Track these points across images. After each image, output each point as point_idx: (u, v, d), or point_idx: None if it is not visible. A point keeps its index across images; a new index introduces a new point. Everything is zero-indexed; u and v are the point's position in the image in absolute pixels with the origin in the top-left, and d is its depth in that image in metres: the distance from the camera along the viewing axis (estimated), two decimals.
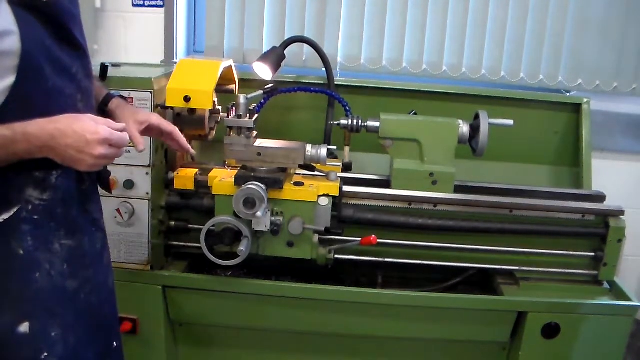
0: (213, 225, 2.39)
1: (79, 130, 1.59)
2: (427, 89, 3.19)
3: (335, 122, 2.66)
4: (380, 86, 3.21)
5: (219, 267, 2.51)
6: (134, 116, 2.07)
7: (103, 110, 2.04)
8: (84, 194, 1.84)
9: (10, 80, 1.54)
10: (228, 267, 2.50)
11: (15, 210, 1.66)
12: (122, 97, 2.15)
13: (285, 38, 3.12)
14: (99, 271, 1.89)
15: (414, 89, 3.19)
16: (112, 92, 2.11)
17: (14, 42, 1.52)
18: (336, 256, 2.54)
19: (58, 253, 1.74)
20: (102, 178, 1.96)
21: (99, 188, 1.98)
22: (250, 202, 2.28)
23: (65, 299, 1.75)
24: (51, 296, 1.72)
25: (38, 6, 1.59)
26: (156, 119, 2.13)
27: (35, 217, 1.69)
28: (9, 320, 1.66)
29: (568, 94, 3.46)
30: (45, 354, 1.69)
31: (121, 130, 1.68)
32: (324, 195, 2.46)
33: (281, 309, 2.57)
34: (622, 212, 2.63)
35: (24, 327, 1.67)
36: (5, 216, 1.65)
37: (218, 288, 2.55)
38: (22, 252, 1.67)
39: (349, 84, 3.19)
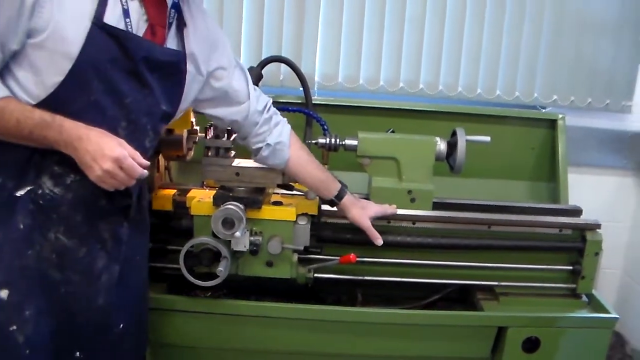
0: (192, 246, 2.38)
1: (101, 143, 1.77)
2: (404, 107, 3.20)
3: (313, 141, 2.66)
4: (358, 105, 3.22)
5: (198, 288, 2.50)
6: (366, 212, 2.46)
7: (335, 202, 2.42)
8: (99, 210, 1.96)
9: (57, 79, 1.75)
10: (208, 288, 2.49)
11: (28, 189, 1.85)
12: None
13: (263, 57, 3.13)
14: (89, 285, 1.97)
15: (392, 107, 3.21)
16: (343, 186, 2.45)
17: (73, 49, 1.74)
18: (316, 275, 2.54)
19: (51, 242, 1.88)
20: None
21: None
22: (228, 222, 2.28)
23: (45, 284, 1.89)
24: (33, 275, 1.86)
25: (114, 33, 1.80)
26: (382, 211, 2.52)
27: (41, 202, 1.86)
28: None
29: (544, 110, 3.49)
30: (14, 327, 1.83)
31: (144, 166, 1.84)
32: (302, 214, 2.47)
33: (262, 329, 2.56)
34: (598, 226, 2.66)
35: (4, 293, 1.83)
36: (21, 192, 1.84)
37: (198, 309, 2.53)
38: (22, 227, 1.84)
39: (327, 102, 3.20)
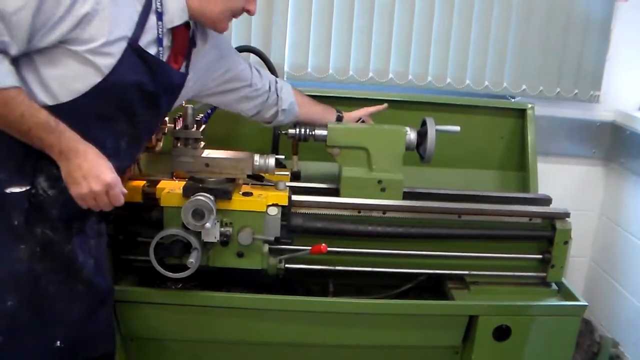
0: (162, 238, 2.36)
1: (97, 165, 1.84)
2: (373, 97, 3.20)
3: (283, 132, 2.66)
4: (327, 95, 3.20)
5: (169, 280, 2.47)
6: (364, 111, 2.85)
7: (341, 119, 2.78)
8: (87, 210, 1.97)
9: (82, 88, 1.82)
10: (178, 280, 2.47)
11: (26, 189, 1.88)
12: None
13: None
14: (70, 278, 2.00)
15: (361, 97, 3.20)
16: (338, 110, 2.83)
17: (106, 65, 1.81)
18: (287, 266, 2.54)
19: (38, 236, 1.91)
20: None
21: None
22: (199, 214, 2.27)
23: (28, 277, 1.91)
24: (20, 270, 1.89)
25: (147, 58, 1.90)
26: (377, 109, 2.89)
27: (34, 201, 1.89)
28: None
29: (513, 100, 3.51)
30: None
31: (124, 195, 1.95)
32: (273, 205, 2.45)
33: (233, 320, 2.55)
34: (567, 215, 2.68)
35: None
36: (16, 189, 1.86)
37: (169, 301, 2.51)
38: (16, 223, 1.87)
39: None
